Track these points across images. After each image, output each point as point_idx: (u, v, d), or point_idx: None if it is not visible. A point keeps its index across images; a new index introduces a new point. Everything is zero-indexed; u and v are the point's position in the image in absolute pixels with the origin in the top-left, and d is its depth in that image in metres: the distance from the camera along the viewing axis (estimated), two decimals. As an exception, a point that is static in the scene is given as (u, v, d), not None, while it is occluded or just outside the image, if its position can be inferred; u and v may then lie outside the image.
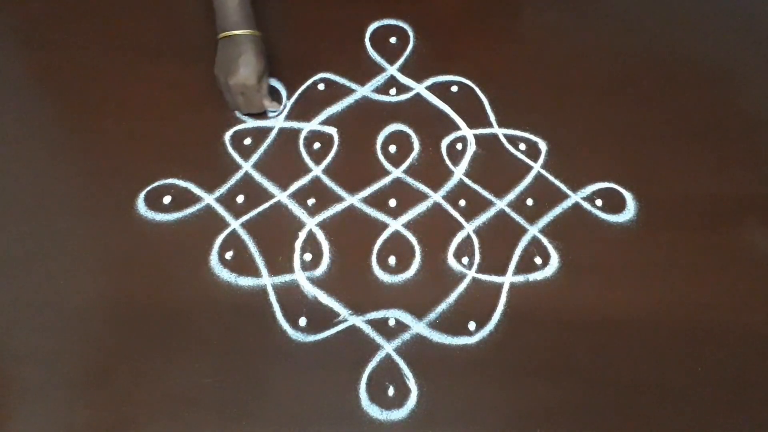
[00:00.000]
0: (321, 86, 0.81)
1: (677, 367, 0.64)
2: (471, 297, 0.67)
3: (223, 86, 0.75)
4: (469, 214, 0.72)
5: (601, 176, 0.75)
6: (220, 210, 0.72)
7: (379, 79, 0.82)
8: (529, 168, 0.76)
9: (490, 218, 0.72)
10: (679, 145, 0.78)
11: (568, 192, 0.74)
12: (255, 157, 0.76)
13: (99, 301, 0.67)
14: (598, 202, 0.74)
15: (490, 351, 0.64)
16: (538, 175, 0.75)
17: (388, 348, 0.64)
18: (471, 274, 0.69)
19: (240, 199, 0.73)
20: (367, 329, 0.65)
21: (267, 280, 0.68)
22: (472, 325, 0.66)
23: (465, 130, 0.78)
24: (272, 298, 0.67)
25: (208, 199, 0.73)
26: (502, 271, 0.69)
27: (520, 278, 0.69)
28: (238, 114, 0.79)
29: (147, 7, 0.88)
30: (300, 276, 0.68)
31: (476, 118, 0.79)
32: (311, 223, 0.72)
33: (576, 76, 0.83)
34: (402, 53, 0.84)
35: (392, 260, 0.69)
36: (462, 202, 0.73)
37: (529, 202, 0.73)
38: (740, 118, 0.80)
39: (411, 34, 0.86)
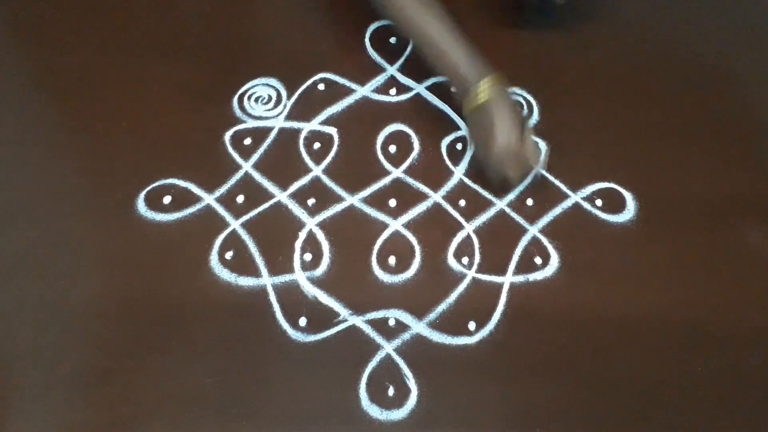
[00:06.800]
0: (321, 86, 0.81)
1: (677, 367, 0.64)
2: (471, 297, 0.67)
3: (492, 160, 0.69)
4: (469, 214, 0.72)
5: (601, 176, 0.75)
6: (220, 210, 0.72)
7: (379, 79, 0.82)
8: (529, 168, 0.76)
9: (490, 218, 0.72)
10: (679, 145, 0.78)
11: (568, 192, 0.74)
12: (255, 157, 0.76)
13: (99, 301, 0.67)
14: (598, 202, 0.74)
15: (490, 351, 0.64)
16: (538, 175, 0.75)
17: (388, 348, 0.64)
18: (471, 274, 0.69)
19: (240, 199, 0.73)
20: (367, 329, 0.65)
21: (267, 280, 0.68)
22: (472, 325, 0.66)
23: (465, 130, 0.78)
24: (272, 298, 0.67)
25: (208, 199, 0.73)
26: (502, 271, 0.69)
27: (520, 278, 0.69)
28: (239, 114, 0.79)
29: (147, 7, 0.88)
30: (300, 276, 0.68)
31: (476, 118, 0.79)
32: (311, 223, 0.72)
33: (576, 75, 0.83)
34: (402, 53, 0.84)
35: (392, 260, 0.69)
36: (462, 202, 0.73)
37: (529, 202, 0.73)
38: (740, 118, 0.80)
39: (411, 34, 0.86)
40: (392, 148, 0.77)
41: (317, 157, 0.76)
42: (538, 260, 0.70)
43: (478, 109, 0.69)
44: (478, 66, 0.69)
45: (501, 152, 0.67)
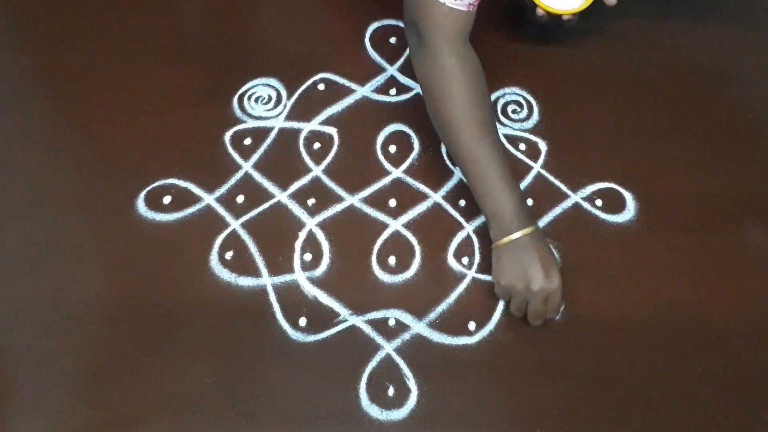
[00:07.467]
0: (321, 86, 0.81)
1: (677, 367, 0.64)
2: (471, 297, 0.67)
3: (517, 294, 0.64)
4: (469, 214, 0.72)
5: (601, 176, 0.75)
6: (220, 210, 0.72)
7: (379, 79, 0.82)
8: (529, 168, 0.76)
9: (490, 218, 0.72)
10: (679, 145, 0.78)
11: (568, 192, 0.74)
12: (255, 157, 0.76)
13: (99, 301, 0.67)
14: (598, 202, 0.74)
15: (490, 351, 0.64)
16: (538, 175, 0.75)
17: (388, 348, 0.64)
18: (471, 274, 0.69)
19: (240, 199, 0.73)
20: (367, 329, 0.65)
21: (267, 280, 0.68)
22: (472, 325, 0.66)
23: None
24: (272, 298, 0.67)
25: (208, 199, 0.73)
26: (502, 271, 0.69)
27: (520, 278, 0.68)
28: (239, 114, 0.79)
29: (147, 7, 0.88)
30: (300, 276, 0.68)
31: (476, 118, 0.79)
32: (311, 223, 0.72)
33: (576, 76, 0.83)
34: (402, 53, 0.84)
35: (392, 260, 0.69)
36: (462, 202, 0.73)
37: (529, 202, 0.73)
38: (740, 118, 0.80)
39: (411, 34, 0.86)
40: (392, 148, 0.77)
41: (317, 157, 0.76)
42: (538, 260, 0.70)
43: (517, 241, 0.63)
44: (526, 212, 0.65)
45: (544, 288, 0.62)
